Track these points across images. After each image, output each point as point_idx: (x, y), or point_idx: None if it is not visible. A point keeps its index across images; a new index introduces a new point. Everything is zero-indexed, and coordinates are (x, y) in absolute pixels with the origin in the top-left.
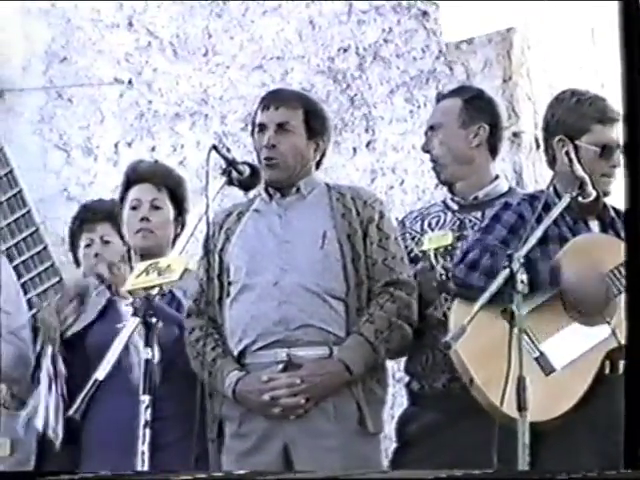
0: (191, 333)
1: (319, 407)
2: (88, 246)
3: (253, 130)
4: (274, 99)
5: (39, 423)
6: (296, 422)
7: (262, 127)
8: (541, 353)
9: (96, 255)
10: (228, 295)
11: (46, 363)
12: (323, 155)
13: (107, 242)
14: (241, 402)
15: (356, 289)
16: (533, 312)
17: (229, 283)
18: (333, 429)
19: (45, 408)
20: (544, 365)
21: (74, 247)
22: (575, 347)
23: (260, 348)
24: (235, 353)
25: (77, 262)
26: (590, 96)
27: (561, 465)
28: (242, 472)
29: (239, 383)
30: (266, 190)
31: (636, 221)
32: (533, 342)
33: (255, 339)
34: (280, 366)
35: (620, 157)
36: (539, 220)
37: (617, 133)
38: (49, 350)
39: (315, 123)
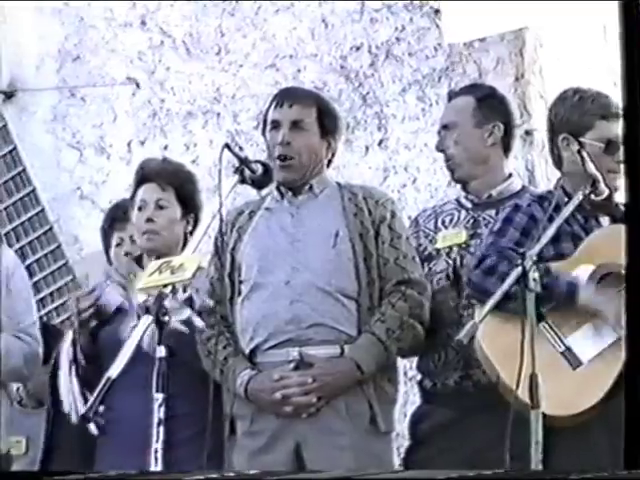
0: (202, 332)
1: (330, 406)
2: (119, 245)
3: (265, 127)
4: (288, 96)
5: (66, 408)
6: (308, 421)
7: (276, 124)
8: (567, 347)
9: (126, 254)
10: (239, 294)
11: (65, 346)
12: (334, 154)
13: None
14: (253, 401)
15: (368, 288)
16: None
17: (240, 282)
18: (345, 428)
19: (70, 392)
20: (571, 359)
21: (106, 246)
22: (600, 340)
23: (272, 347)
24: (246, 352)
25: (109, 261)
26: (592, 93)
27: (580, 460)
28: (254, 472)
29: (251, 382)
30: (278, 189)
31: (636, 220)
32: (559, 336)
33: (267, 338)
34: (292, 365)
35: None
36: (550, 220)
37: (618, 129)
38: (70, 335)
39: (328, 122)
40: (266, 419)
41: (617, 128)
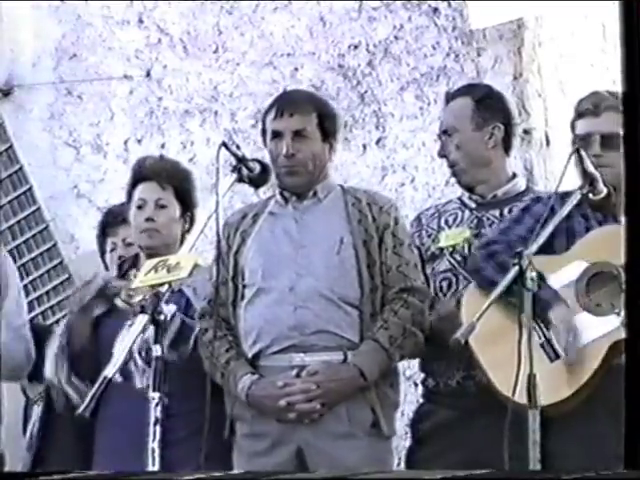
0: (204, 334)
1: (332, 410)
2: (113, 250)
3: (265, 136)
4: (287, 105)
5: (49, 376)
6: (310, 425)
7: (277, 134)
8: (547, 339)
9: (120, 258)
10: (243, 297)
11: (61, 328)
12: (334, 154)
13: (130, 244)
14: (254, 406)
15: (370, 295)
16: None
17: (244, 286)
18: (347, 432)
19: (55, 365)
20: (549, 352)
21: (102, 252)
22: (582, 336)
23: (275, 352)
24: (249, 356)
25: (106, 267)
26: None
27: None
28: (243, 472)
29: (252, 387)
30: (281, 193)
31: (635, 218)
32: (540, 328)
33: (270, 343)
34: (295, 371)
35: (599, 147)
36: (569, 216)
37: (595, 125)
38: (64, 322)
39: (328, 124)
40: (267, 422)
41: (588, 125)
